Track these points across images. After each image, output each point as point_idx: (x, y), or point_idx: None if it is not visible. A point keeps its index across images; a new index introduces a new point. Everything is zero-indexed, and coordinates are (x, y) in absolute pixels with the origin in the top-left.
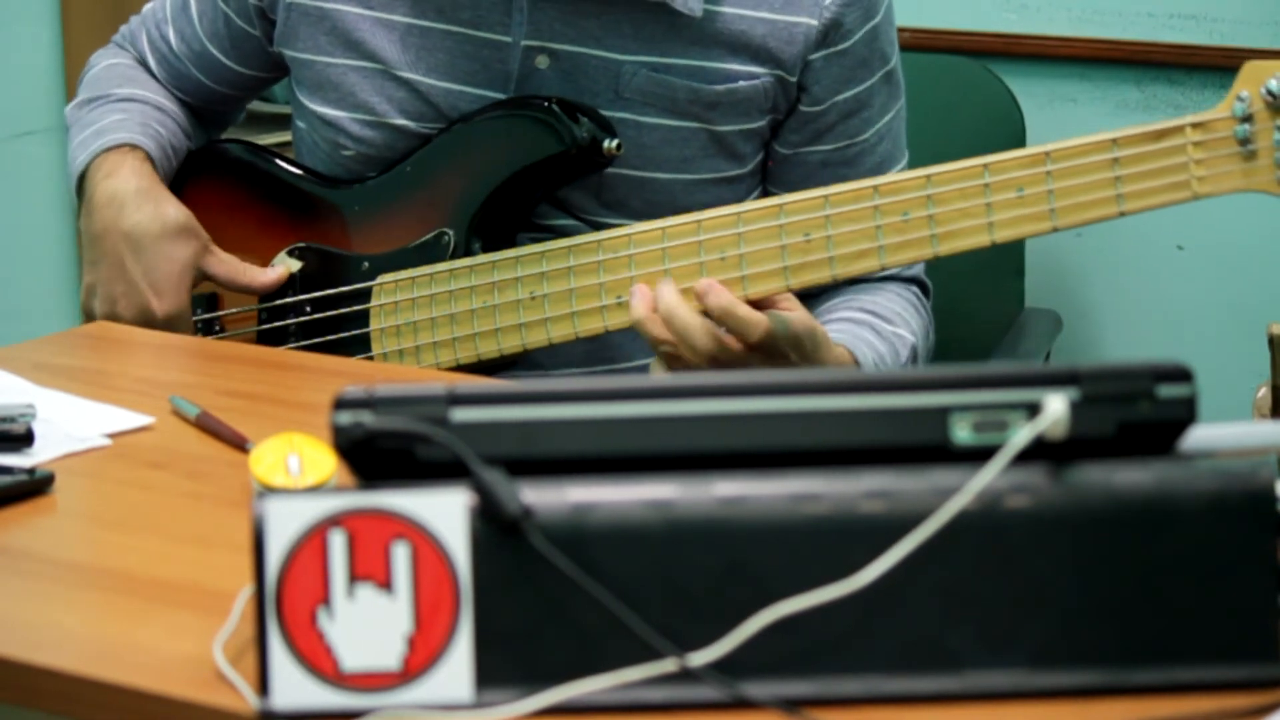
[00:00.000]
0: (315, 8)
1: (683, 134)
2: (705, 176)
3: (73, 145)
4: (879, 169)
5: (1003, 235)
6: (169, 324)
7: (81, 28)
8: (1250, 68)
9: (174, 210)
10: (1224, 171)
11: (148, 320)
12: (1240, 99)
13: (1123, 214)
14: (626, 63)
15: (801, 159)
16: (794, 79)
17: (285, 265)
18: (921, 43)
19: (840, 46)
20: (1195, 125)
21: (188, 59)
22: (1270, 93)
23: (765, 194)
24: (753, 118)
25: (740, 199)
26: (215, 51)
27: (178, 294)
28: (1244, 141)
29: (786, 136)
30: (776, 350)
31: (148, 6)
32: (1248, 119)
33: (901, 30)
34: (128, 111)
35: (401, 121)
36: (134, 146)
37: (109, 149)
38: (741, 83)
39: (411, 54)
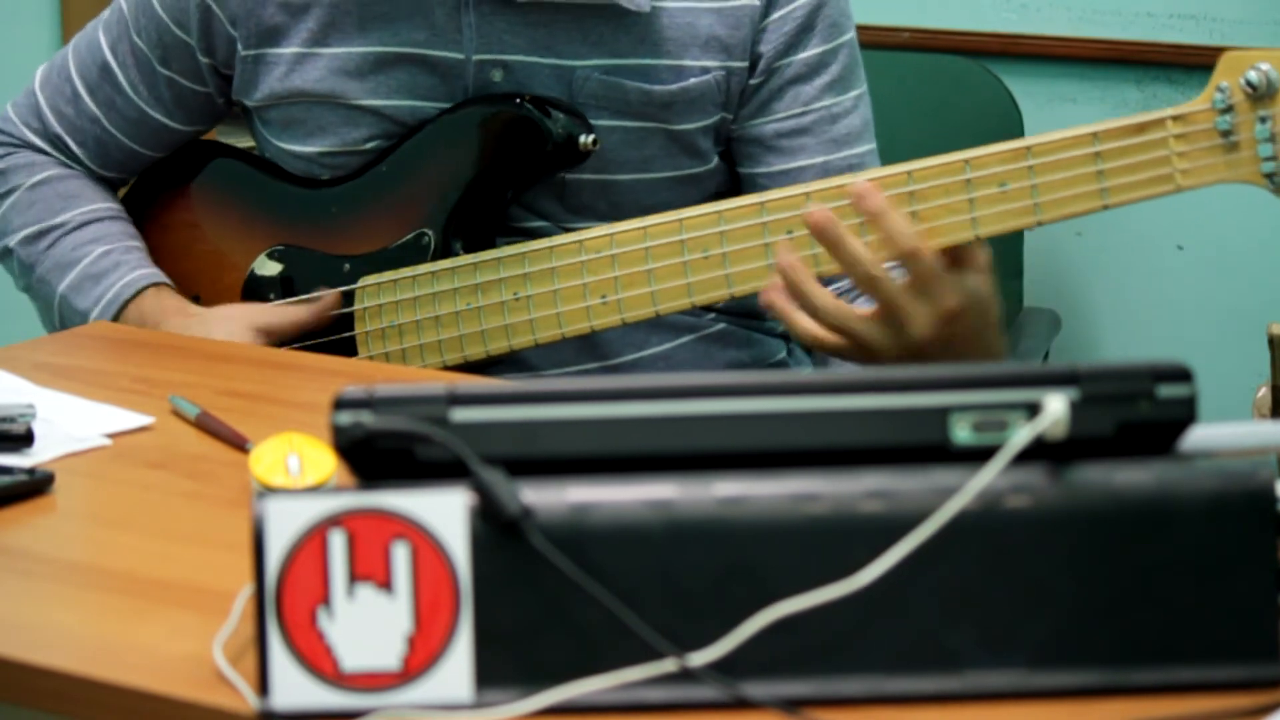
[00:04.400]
0: (274, 55)
1: (640, 134)
2: (667, 175)
3: (60, 286)
4: (845, 141)
5: (987, 230)
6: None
7: (81, 28)
8: (1229, 58)
9: (220, 329)
10: (1206, 164)
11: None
12: (1220, 90)
13: (1106, 207)
14: (579, 68)
15: (756, 131)
16: (745, 63)
17: (332, 294)
18: (921, 43)
19: (784, 11)
20: (1176, 118)
21: (120, 130)
22: (1250, 83)
23: (737, 191)
24: (708, 113)
25: (707, 195)
26: (159, 116)
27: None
28: (1226, 133)
29: (740, 114)
30: (970, 315)
31: (38, 86)
32: (1228, 110)
33: (901, 30)
34: (104, 243)
35: (373, 145)
36: (145, 290)
37: (126, 304)
38: (692, 80)
39: (370, 83)
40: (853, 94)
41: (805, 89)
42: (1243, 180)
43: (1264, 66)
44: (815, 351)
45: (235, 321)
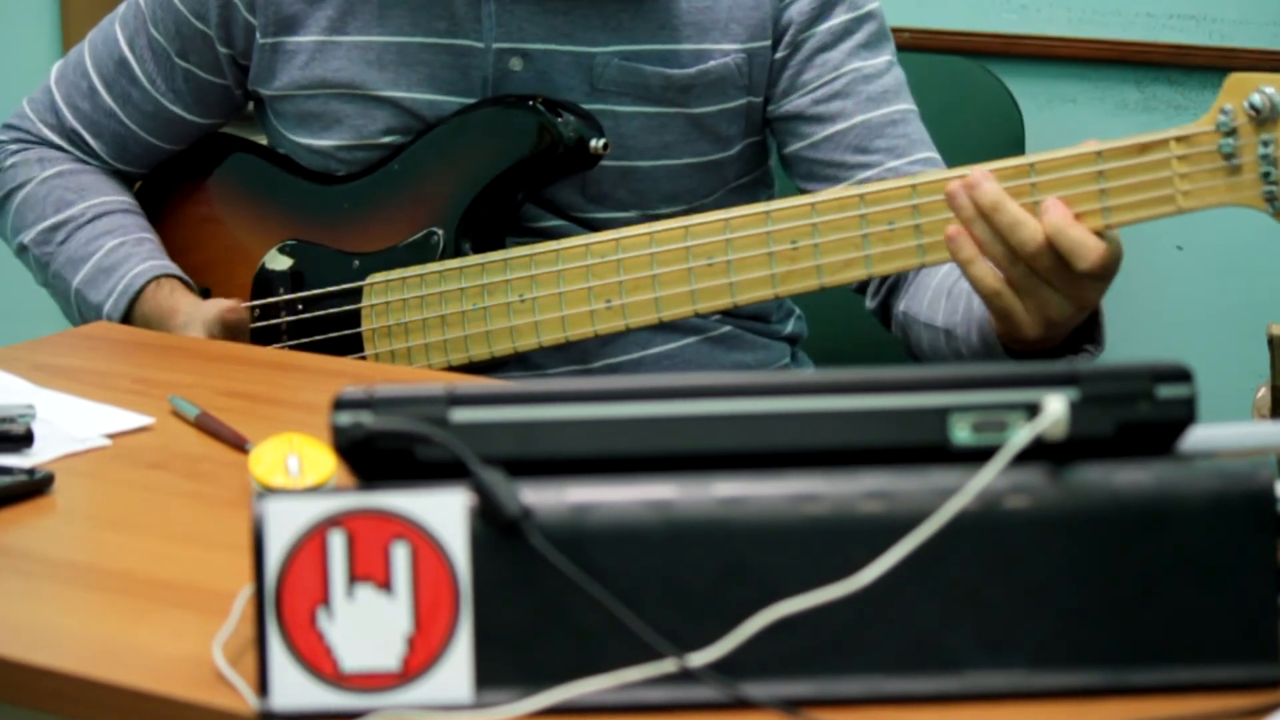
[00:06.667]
0: (292, 43)
1: (660, 120)
2: (688, 161)
3: (74, 280)
4: (883, 99)
5: None
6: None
7: (81, 28)
8: (1234, 80)
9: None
10: (1208, 186)
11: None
12: (1224, 112)
13: (1109, 227)
14: (598, 55)
15: (792, 107)
16: (767, 42)
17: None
18: (921, 43)
19: None
20: (1179, 139)
21: (137, 123)
22: (1253, 107)
23: (757, 181)
24: (730, 96)
25: (727, 183)
26: (176, 109)
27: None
28: (1228, 156)
29: (773, 94)
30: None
31: (53, 82)
32: (1231, 133)
33: (901, 30)
34: (116, 235)
35: (390, 139)
36: (151, 282)
37: (137, 296)
38: (712, 63)
39: (390, 72)
40: (883, 58)
41: (833, 55)
42: (1244, 204)
43: (1268, 90)
44: (984, 296)
45: (193, 325)
